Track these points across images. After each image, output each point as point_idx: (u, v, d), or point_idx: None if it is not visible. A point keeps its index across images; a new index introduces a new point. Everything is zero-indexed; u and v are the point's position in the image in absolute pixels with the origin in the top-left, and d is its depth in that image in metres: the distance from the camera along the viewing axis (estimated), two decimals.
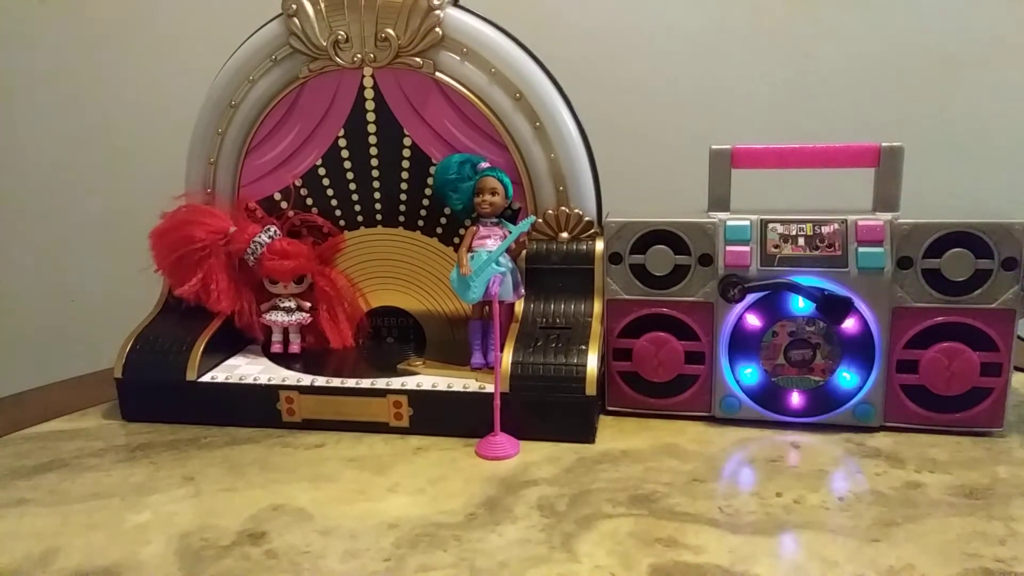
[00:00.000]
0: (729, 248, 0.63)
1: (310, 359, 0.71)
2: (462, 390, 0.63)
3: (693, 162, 0.69)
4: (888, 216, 0.61)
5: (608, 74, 0.96)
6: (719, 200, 0.66)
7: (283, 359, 0.71)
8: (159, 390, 0.68)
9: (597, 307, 0.66)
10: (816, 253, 0.62)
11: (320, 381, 0.66)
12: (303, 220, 0.74)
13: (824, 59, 0.94)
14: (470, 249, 0.64)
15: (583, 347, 0.63)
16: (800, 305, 0.62)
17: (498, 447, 0.60)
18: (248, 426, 0.66)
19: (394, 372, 0.67)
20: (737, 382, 0.64)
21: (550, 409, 0.62)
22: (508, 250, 0.64)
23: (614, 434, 0.64)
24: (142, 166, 1.06)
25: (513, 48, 0.68)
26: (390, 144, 0.71)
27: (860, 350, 0.62)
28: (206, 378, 0.67)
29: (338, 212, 0.74)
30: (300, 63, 0.69)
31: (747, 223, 0.63)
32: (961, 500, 0.52)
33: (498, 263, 0.63)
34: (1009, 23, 0.91)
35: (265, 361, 0.71)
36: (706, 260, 0.63)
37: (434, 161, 0.70)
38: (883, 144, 0.63)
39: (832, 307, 0.61)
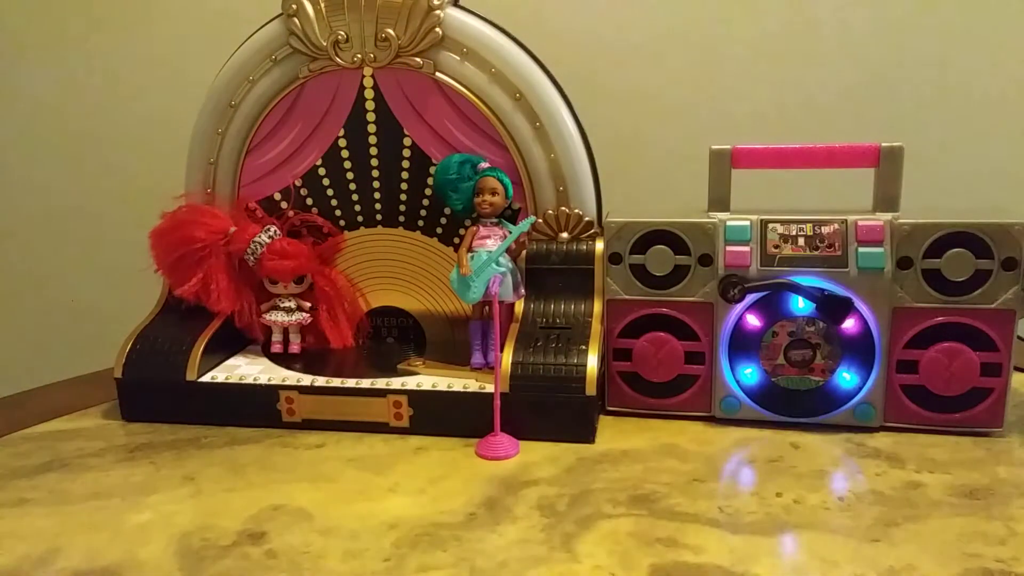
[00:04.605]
0: (729, 248, 0.63)
1: (310, 359, 0.71)
2: (462, 390, 0.63)
3: (693, 162, 0.69)
4: (888, 216, 0.61)
5: (608, 74, 0.96)
6: (719, 200, 0.66)
7: (283, 359, 0.71)
8: (159, 390, 0.68)
9: (597, 307, 0.66)
10: (816, 253, 0.62)
11: (320, 381, 0.66)
12: (303, 220, 0.74)
13: (824, 59, 0.94)
14: (470, 249, 0.64)
15: (583, 347, 0.63)
16: (800, 305, 0.62)
17: (498, 447, 0.60)
18: (248, 426, 0.66)
19: (394, 372, 0.67)
20: (737, 382, 0.64)
21: (550, 409, 0.62)
22: (508, 250, 0.64)
23: (614, 434, 0.64)
24: (142, 166, 1.06)
25: (513, 48, 0.67)
26: (390, 144, 0.71)
27: (860, 350, 0.62)
28: (206, 378, 0.67)
29: (338, 212, 0.74)
30: (300, 63, 0.69)
31: (747, 223, 0.63)
32: (961, 500, 0.52)
33: (498, 263, 0.63)
34: (1010, 23, 0.91)
35: (265, 361, 0.71)
36: (706, 260, 0.63)
37: (434, 161, 0.70)
38: (883, 144, 0.63)
39: (832, 307, 0.61)
